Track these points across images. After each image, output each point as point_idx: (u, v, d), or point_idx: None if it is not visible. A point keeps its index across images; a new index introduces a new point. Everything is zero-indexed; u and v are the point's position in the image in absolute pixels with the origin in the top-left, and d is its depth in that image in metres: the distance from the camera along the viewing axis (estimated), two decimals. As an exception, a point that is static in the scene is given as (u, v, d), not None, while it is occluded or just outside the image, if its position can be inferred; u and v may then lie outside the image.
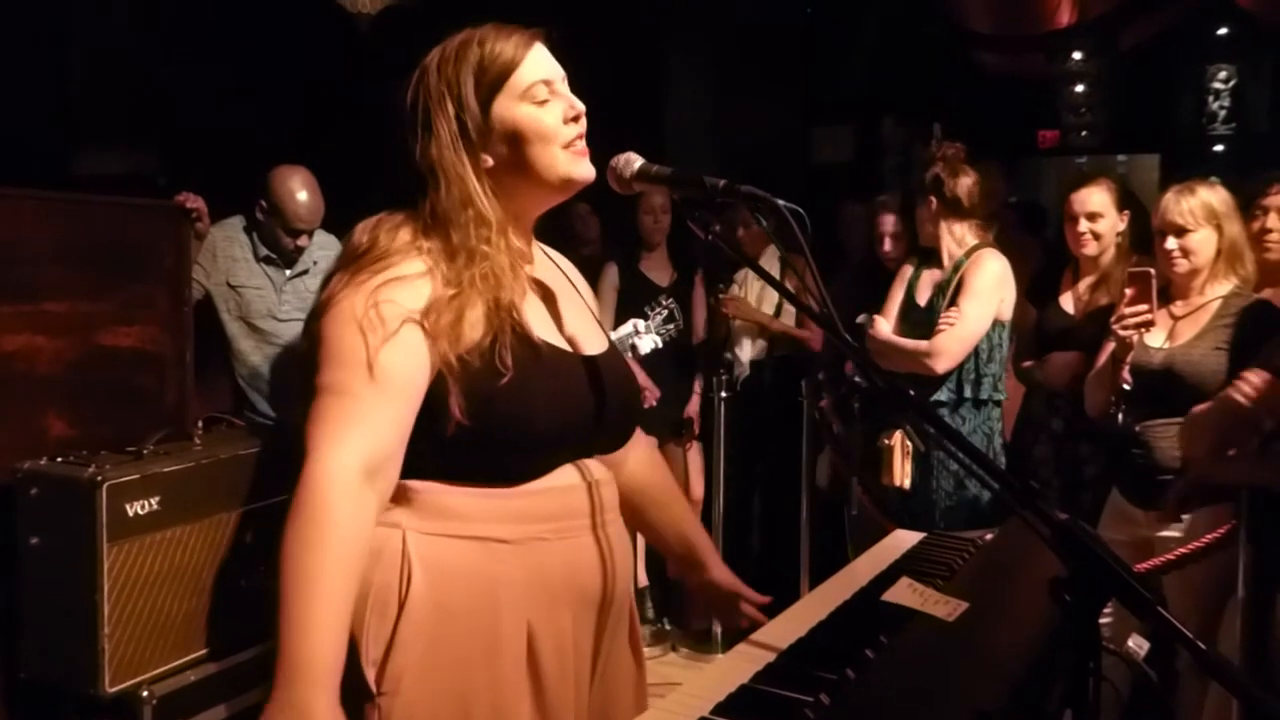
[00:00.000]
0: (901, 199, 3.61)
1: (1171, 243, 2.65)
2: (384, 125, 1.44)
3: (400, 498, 1.33)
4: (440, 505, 1.34)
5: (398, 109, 1.42)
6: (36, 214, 2.48)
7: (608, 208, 4.51)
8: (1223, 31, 6.77)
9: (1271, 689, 2.28)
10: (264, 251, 3.25)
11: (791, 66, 6.21)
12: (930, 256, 3.15)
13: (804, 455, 3.73)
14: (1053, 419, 3.17)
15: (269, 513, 2.44)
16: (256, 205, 3.18)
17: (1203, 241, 2.63)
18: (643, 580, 4.25)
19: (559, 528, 1.38)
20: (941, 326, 2.96)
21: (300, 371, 1.34)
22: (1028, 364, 3.26)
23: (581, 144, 1.42)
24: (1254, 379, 2.23)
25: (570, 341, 1.45)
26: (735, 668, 1.27)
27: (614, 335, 2.44)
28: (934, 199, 3.07)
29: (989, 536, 1.83)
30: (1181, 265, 2.65)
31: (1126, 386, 2.66)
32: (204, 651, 2.35)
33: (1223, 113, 6.90)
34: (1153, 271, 2.61)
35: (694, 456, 4.34)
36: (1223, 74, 6.86)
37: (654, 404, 3.90)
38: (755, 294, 4.32)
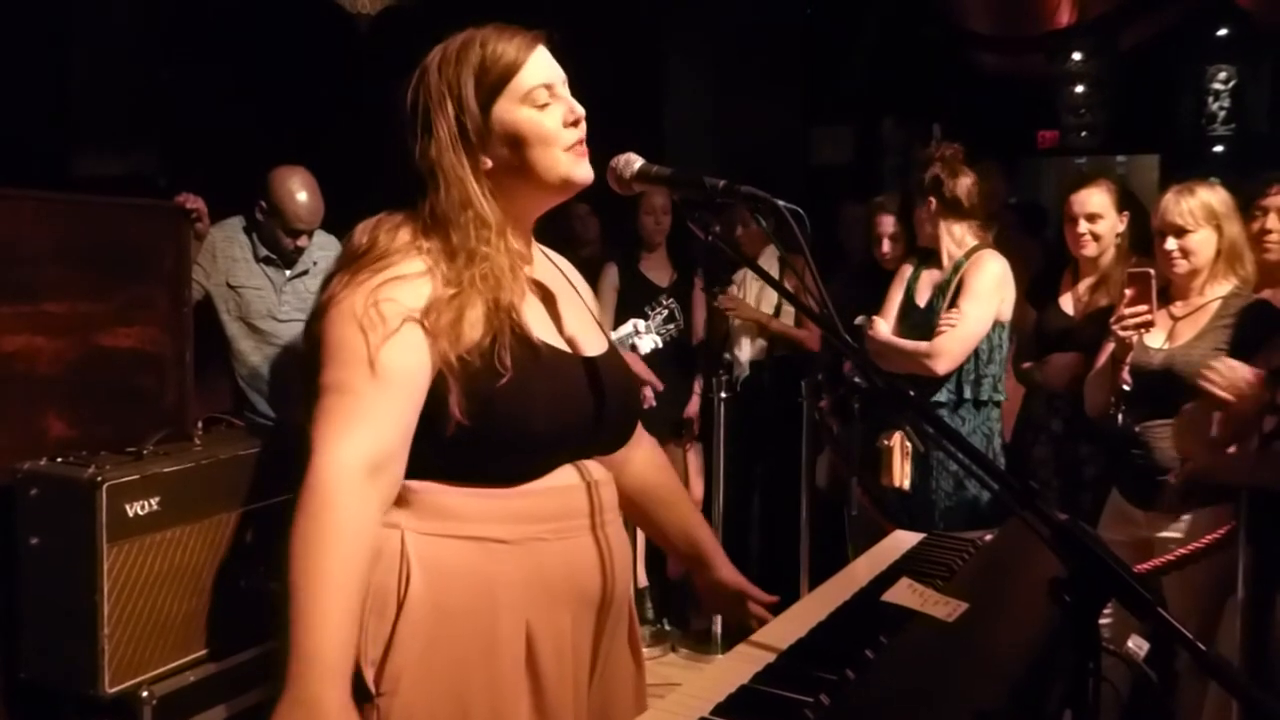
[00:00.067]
0: (901, 199, 3.61)
1: (1171, 243, 2.65)
2: (384, 126, 1.44)
3: (399, 498, 1.33)
4: (439, 505, 1.34)
5: (397, 110, 1.42)
6: (36, 214, 2.48)
7: (608, 208, 4.51)
8: (1223, 32, 6.75)
9: (1271, 689, 2.28)
10: (264, 252, 3.24)
11: (791, 67, 6.20)
12: (929, 257, 3.15)
13: (804, 456, 3.72)
14: (1052, 420, 3.17)
15: (269, 513, 2.45)
16: (256, 206, 3.18)
17: (1202, 242, 2.63)
18: (643, 580, 4.25)
19: (558, 528, 1.38)
20: (942, 327, 2.96)
21: (301, 372, 1.34)
22: (1027, 365, 3.26)
23: (581, 146, 1.42)
24: (1220, 368, 2.25)
25: (570, 342, 1.45)
26: (735, 668, 1.27)
27: (614, 335, 2.44)
28: (933, 199, 3.07)
29: (989, 537, 1.84)
30: (1181, 266, 2.65)
31: (1126, 387, 2.66)
32: (204, 652, 2.36)
33: (1222, 113, 6.89)
34: (1152, 272, 2.61)
35: (694, 457, 4.34)
36: (1222, 74, 6.84)
37: (654, 403, 3.90)
38: (754, 294, 4.31)
